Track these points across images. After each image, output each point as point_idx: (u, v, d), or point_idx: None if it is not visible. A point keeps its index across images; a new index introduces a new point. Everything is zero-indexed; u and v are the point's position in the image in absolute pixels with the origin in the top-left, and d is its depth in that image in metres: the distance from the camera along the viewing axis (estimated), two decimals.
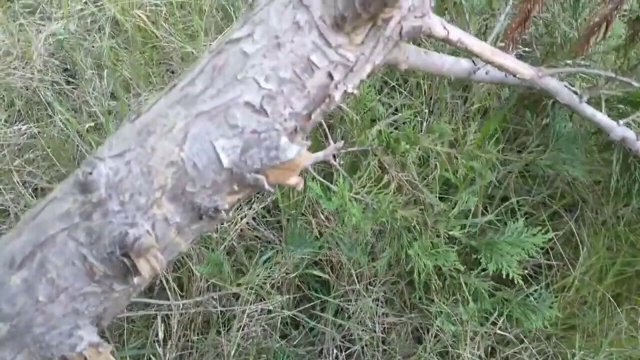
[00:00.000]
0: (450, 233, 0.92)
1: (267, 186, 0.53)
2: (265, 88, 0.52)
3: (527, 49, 0.80)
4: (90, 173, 0.51)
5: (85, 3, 1.66)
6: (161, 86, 1.40)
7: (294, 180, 0.54)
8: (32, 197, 1.27)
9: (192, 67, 0.54)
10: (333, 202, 0.86)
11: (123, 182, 0.51)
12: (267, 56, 0.51)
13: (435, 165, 1.04)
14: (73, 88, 1.50)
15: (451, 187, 1.19)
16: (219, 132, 0.52)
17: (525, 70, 0.64)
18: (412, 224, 0.92)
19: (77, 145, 1.35)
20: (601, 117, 0.73)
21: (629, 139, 0.77)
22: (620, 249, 1.15)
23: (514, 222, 0.91)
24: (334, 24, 0.50)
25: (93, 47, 1.53)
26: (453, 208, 1.05)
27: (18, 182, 1.24)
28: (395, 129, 1.05)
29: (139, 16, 1.51)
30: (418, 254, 0.87)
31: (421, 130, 1.10)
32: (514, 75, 0.64)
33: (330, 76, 0.54)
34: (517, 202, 1.17)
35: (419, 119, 1.12)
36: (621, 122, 0.75)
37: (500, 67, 0.64)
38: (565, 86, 0.69)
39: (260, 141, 0.52)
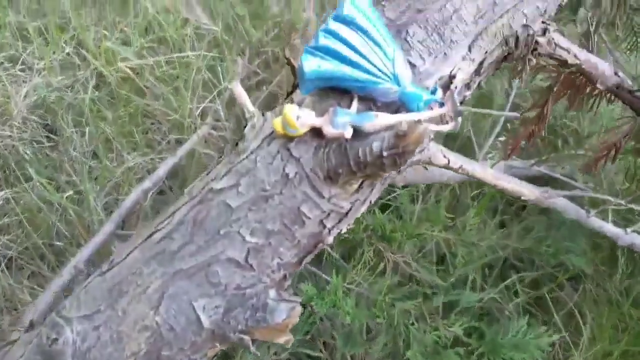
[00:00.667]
0: (451, 329, 0.87)
1: (252, 348, 0.48)
2: (251, 242, 0.47)
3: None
4: (56, 339, 0.46)
5: (68, 54, 1.60)
6: (145, 150, 1.34)
7: (283, 338, 0.49)
8: (5, 271, 1.20)
9: (172, 212, 0.49)
10: (326, 303, 0.81)
11: (91, 351, 0.46)
12: (253, 209, 0.46)
13: (432, 246, 1.00)
14: (53, 146, 1.44)
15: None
16: (199, 292, 0.47)
17: (530, 193, 0.60)
18: (410, 321, 0.87)
19: (56, 211, 1.29)
20: (609, 228, 0.70)
21: (637, 245, 0.73)
22: (625, 327, 1.10)
23: (518, 318, 0.86)
24: (327, 177, 0.45)
25: (76, 99, 1.46)
26: (452, 286, 1.01)
27: None
28: (391, 212, 1.00)
29: (124, 69, 1.45)
30: (416, 355, 0.82)
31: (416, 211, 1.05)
32: (519, 198, 0.60)
33: (323, 224, 0.49)
34: (519, 279, 1.12)
35: (416, 194, 1.08)
36: (629, 230, 0.71)
37: (504, 190, 0.59)
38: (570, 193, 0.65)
39: (245, 300, 0.47)
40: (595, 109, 0.57)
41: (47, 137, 1.47)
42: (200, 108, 1.31)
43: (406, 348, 0.91)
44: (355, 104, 0.45)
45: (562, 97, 0.56)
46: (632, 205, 0.60)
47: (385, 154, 0.40)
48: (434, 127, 0.43)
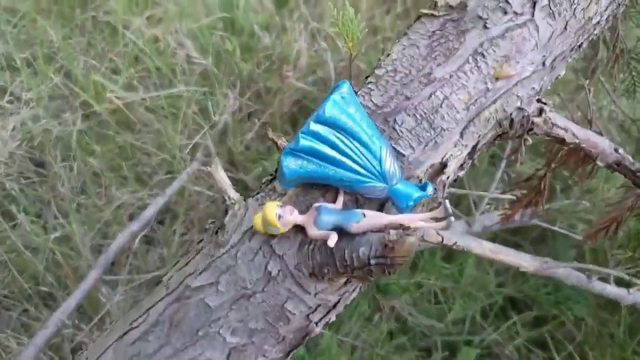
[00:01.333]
0: None
1: None
2: (232, 342, 0.44)
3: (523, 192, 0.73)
4: None
5: (57, 85, 1.57)
6: (135, 186, 1.31)
7: None
8: None
9: (147, 308, 0.46)
10: None
11: None
12: (234, 308, 0.43)
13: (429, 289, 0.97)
14: (42, 180, 1.41)
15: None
16: None
17: (529, 264, 0.57)
18: None
19: (44, 252, 1.26)
20: (611, 290, 0.67)
21: None
22: None
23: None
24: (312, 274, 0.43)
25: (64, 131, 1.43)
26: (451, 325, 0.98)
27: None
28: None
29: (113, 100, 1.42)
30: None
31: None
32: (518, 269, 0.57)
33: (309, 319, 0.46)
34: (519, 318, 1.09)
35: None
36: (631, 290, 0.68)
37: (503, 262, 0.56)
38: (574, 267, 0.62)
39: None
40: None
41: (36, 171, 1.44)
42: (191, 145, 1.28)
43: None
44: (340, 198, 0.42)
45: (559, 168, 0.53)
46: (633, 278, 0.58)
47: (372, 262, 0.37)
48: (424, 225, 0.40)
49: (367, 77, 0.46)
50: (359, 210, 0.40)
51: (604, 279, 0.68)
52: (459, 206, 1.00)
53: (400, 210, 0.40)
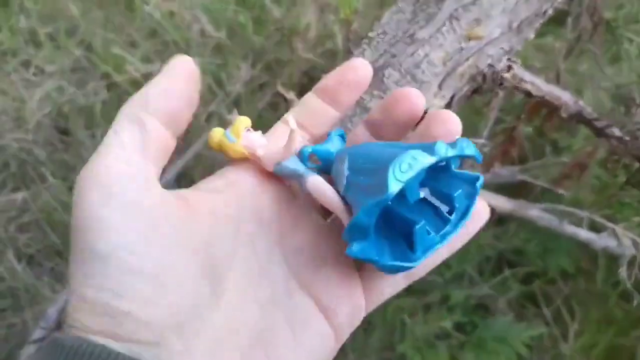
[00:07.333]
0: (442, 325, 0.93)
1: None
2: None
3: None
4: None
5: (78, 60, 1.66)
6: None
7: None
8: (26, 268, 1.28)
9: None
10: None
11: None
12: None
13: None
14: (66, 147, 1.51)
15: None
16: None
17: (505, 205, 0.65)
18: (404, 317, 0.93)
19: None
20: (582, 234, 0.75)
21: (611, 247, 0.78)
22: (611, 321, 1.15)
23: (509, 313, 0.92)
24: None
25: (88, 101, 1.53)
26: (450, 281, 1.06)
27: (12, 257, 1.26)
28: None
29: (132, 73, 1.51)
30: (407, 349, 0.89)
31: None
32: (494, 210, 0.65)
33: None
34: (512, 273, 1.17)
35: None
36: (602, 235, 0.76)
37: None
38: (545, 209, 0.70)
39: None
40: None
41: (60, 139, 1.54)
42: (206, 114, 1.37)
43: (400, 341, 0.98)
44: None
45: (533, 121, 0.60)
46: (596, 217, 0.65)
47: None
48: None
49: (362, 39, 0.54)
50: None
51: (579, 225, 0.76)
52: None
53: None
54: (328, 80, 0.38)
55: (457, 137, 0.33)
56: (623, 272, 0.54)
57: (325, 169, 0.35)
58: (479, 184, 0.32)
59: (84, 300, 0.28)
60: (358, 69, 0.37)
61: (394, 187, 0.27)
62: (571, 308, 1.19)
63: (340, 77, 0.37)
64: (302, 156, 0.34)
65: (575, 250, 0.97)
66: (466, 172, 0.33)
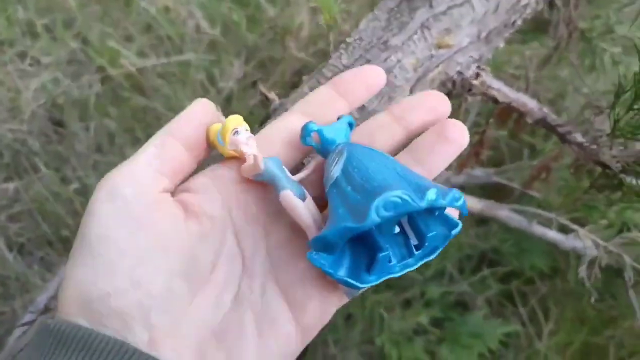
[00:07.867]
0: (418, 320, 0.96)
1: None
2: None
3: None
4: None
5: (74, 51, 1.68)
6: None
7: None
8: (17, 257, 1.30)
9: None
10: None
11: None
12: None
13: None
14: (60, 138, 1.53)
15: None
16: None
17: (475, 205, 0.68)
18: (381, 311, 0.96)
19: (64, 201, 1.39)
20: (551, 235, 0.78)
21: (578, 248, 0.82)
22: (585, 320, 1.19)
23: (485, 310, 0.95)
24: None
25: (82, 93, 1.55)
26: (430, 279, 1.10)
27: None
28: None
29: (127, 66, 1.54)
30: (384, 342, 0.92)
31: None
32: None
33: None
34: (491, 272, 1.21)
35: None
36: (569, 236, 0.79)
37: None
38: (515, 210, 0.73)
39: None
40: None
41: (54, 130, 1.57)
42: None
43: (378, 335, 1.01)
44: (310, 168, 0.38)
45: (505, 125, 0.63)
46: (562, 220, 0.68)
47: None
48: None
49: (340, 43, 0.57)
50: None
51: (551, 227, 0.79)
52: None
53: None
54: (346, 74, 0.41)
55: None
56: (582, 271, 0.57)
57: (323, 152, 0.37)
58: (454, 232, 0.32)
59: (73, 285, 0.31)
60: (376, 72, 0.41)
61: (372, 221, 0.28)
62: (547, 307, 1.23)
63: (359, 73, 0.40)
64: (305, 131, 0.36)
65: (552, 251, 1.00)
66: (449, 215, 0.33)
